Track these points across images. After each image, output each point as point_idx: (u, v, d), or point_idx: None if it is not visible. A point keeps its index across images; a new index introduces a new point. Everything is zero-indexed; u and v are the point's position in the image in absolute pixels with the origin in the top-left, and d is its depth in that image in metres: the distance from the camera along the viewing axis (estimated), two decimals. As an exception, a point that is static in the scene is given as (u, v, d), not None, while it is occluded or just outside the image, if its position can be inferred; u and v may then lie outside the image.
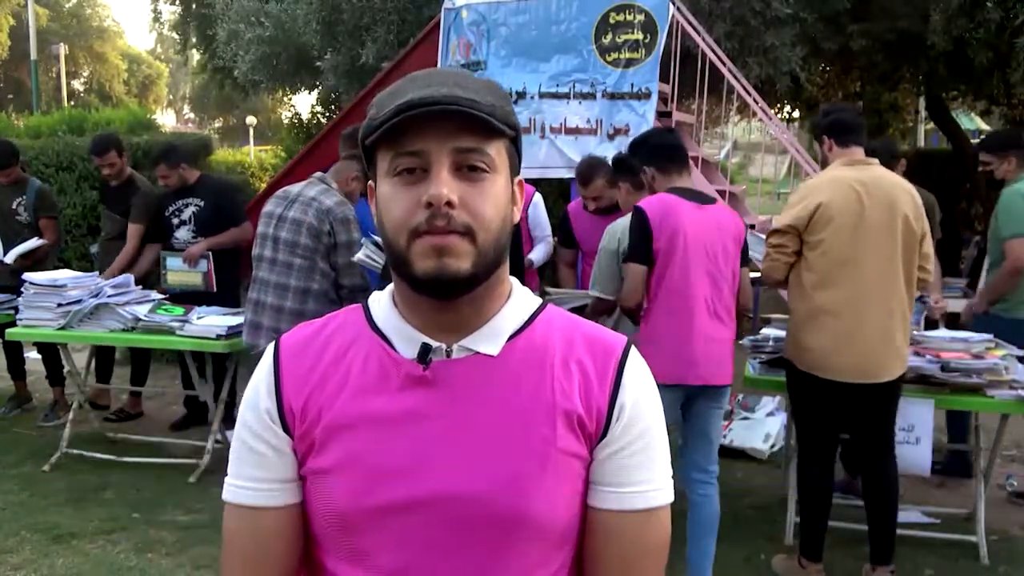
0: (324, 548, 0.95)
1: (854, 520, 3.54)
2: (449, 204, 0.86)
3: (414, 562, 0.90)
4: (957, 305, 4.59)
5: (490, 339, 0.94)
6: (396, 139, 0.88)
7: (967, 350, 3.45)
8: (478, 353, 0.93)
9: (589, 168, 4.10)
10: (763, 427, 4.86)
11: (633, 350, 0.99)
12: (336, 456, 0.91)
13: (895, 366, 3.08)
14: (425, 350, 0.91)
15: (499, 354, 0.93)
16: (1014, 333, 3.73)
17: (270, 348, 0.99)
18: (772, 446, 4.70)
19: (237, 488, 0.96)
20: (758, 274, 3.44)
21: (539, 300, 1.01)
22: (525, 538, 0.91)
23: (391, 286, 0.99)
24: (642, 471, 0.95)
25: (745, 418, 5.01)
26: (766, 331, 3.81)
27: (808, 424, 3.25)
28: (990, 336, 3.61)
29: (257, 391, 0.97)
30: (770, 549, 3.53)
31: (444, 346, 0.92)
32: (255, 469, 0.95)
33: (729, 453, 4.65)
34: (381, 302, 0.99)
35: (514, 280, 0.99)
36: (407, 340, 0.93)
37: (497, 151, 0.90)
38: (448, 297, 0.90)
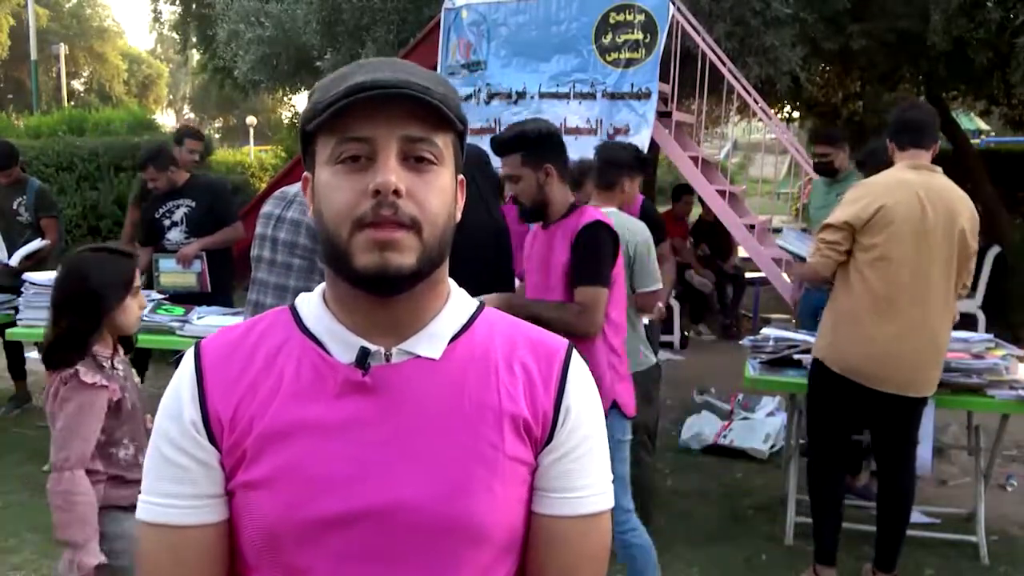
0: (253, 567, 0.89)
1: (855, 520, 3.54)
2: (396, 193, 0.82)
3: None
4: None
5: (430, 342, 0.89)
6: (341, 124, 0.83)
7: (967, 350, 3.44)
8: (418, 357, 0.89)
9: (580, 173, 4.07)
10: (763, 427, 4.85)
11: (575, 352, 0.96)
12: (270, 467, 0.85)
13: (936, 380, 3.06)
14: (364, 354, 0.86)
15: (440, 357, 0.89)
16: None
17: (190, 353, 0.92)
18: (772, 446, 4.69)
19: (155, 506, 0.88)
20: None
21: (477, 302, 0.97)
22: (472, 548, 0.87)
23: (321, 285, 0.94)
24: (585, 476, 0.92)
25: (745, 418, 5.01)
26: (766, 331, 3.81)
27: (828, 427, 3.18)
28: (990, 336, 3.62)
29: (178, 399, 0.89)
30: (770, 549, 3.53)
31: (383, 350, 0.88)
32: (176, 485, 0.88)
33: (729, 453, 4.66)
34: (311, 303, 0.93)
35: (451, 282, 0.95)
36: (342, 343, 0.88)
37: (445, 144, 0.87)
38: (389, 293, 0.86)
